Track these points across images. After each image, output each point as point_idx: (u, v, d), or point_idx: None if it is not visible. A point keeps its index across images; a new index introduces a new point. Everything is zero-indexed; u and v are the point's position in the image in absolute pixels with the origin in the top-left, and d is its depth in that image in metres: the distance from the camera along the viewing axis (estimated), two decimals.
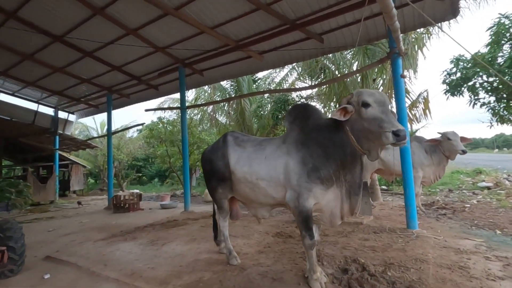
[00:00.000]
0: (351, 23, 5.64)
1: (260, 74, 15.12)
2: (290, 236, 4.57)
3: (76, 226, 6.60)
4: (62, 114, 12.92)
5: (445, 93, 6.56)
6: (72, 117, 13.22)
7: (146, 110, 9.13)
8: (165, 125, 12.80)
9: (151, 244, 4.57)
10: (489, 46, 5.73)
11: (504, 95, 6.11)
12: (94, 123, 23.38)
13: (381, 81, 8.71)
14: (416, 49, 8.03)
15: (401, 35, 7.37)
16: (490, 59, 5.66)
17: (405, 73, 8.17)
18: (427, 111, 8.50)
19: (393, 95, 4.91)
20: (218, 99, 12.58)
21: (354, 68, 8.81)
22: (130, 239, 5.00)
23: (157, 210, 8.55)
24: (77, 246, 4.75)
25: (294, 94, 10.99)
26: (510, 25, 5.43)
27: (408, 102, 8.85)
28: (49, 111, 12.65)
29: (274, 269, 3.21)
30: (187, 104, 12.77)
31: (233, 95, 12.53)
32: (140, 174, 22.66)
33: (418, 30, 7.66)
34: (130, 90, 9.96)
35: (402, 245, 3.92)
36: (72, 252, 4.40)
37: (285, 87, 11.65)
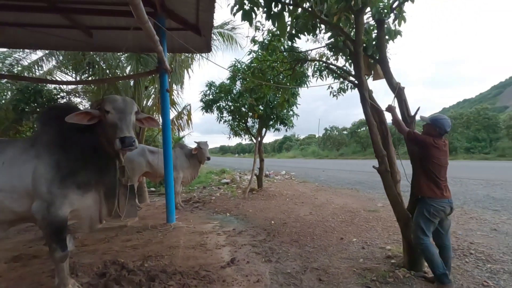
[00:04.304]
0: (123, 27, 5.64)
1: None
2: (34, 256, 3.81)
3: None
4: None
5: (201, 109, 8.21)
6: None
7: None
8: None
9: None
10: (229, 80, 7.90)
11: (237, 116, 8.54)
12: None
13: (153, 89, 9.34)
14: (183, 68, 9.41)
15: (171, 54, 8.45)
16: (229, 89, 7.81)
17: (174, 87, 9.32)
18: (189, 121, 10.17)
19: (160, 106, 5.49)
20: None
21: (128, 70, 8.79)
22: None
23: None
24: None
25: (52, 86, 9.08)
26: (240, 67, 7.80)
27: (175, 113, 10.12)
28: None
29: None
30: None
31: None
32: None
33: (185, 54, 9.04)
34: None
35: (161, 238, 4.47)
36: None
37: (37, 74, 9.33)
